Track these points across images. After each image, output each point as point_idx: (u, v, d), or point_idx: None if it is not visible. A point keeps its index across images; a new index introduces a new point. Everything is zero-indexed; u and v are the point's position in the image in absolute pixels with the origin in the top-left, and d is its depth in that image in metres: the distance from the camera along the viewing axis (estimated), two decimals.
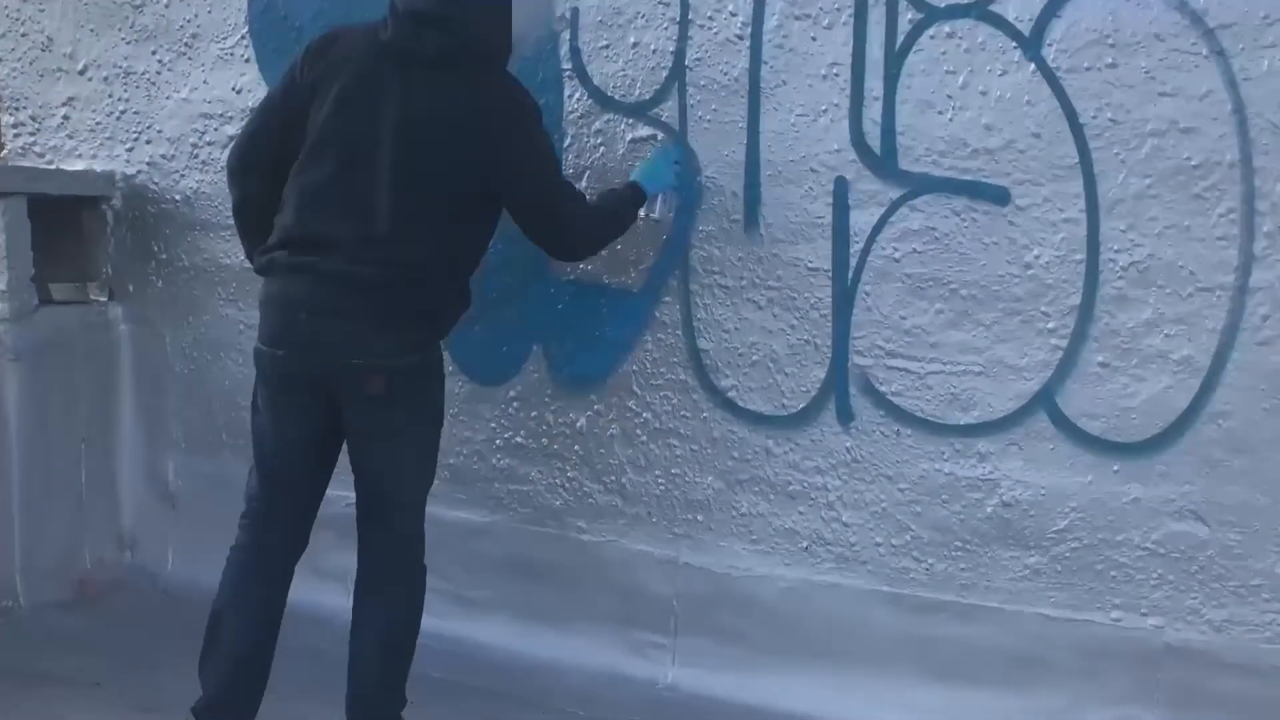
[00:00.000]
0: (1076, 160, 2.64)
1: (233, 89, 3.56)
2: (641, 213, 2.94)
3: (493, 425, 3.31)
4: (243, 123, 3.40)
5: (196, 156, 3.63)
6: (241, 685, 2.67)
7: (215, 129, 3.60)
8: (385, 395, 2.55)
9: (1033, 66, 2.66)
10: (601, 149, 3.11)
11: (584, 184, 3.12)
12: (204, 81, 3.60)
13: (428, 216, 2.57)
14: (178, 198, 3.68)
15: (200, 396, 3.71)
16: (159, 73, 3.66)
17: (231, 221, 3.39)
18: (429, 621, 2.77)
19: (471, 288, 2.80)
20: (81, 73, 3.78)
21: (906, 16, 2.77)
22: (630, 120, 3.06)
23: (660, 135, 3.02)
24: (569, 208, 2.72)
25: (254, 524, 2.72)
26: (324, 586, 3.02)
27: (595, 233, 2.83)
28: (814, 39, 2.86)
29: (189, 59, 3.61)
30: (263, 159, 2.70)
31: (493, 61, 2.67)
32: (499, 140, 2.59)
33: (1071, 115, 2.63)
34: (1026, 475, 2.76)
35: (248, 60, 3.52)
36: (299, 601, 2.80)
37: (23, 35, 3.86)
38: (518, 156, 2.62)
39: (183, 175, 3.66)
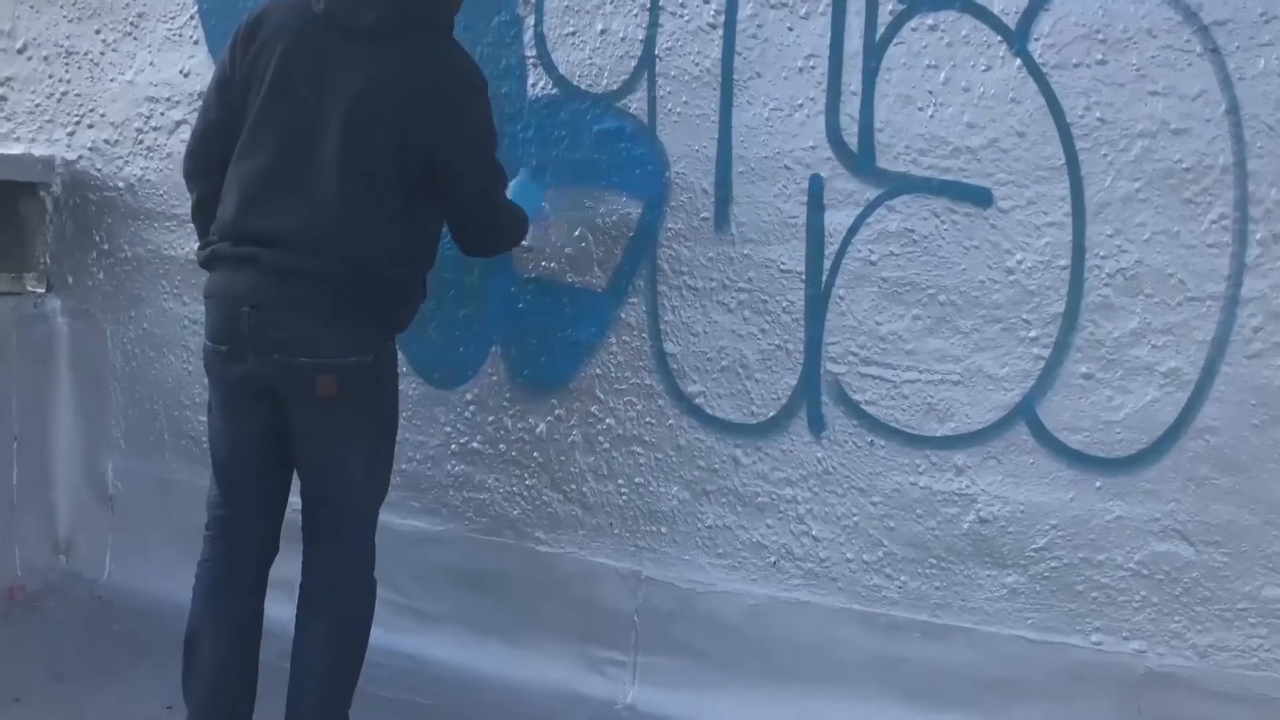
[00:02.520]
0: (1062, 161, 2.57)
1: (180, 72, 3.44)
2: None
3: (448, 429, 3.21)
4: (190, 109, 3.37)
5: (141, 142, 3.51)
6: (225, 704, 2.58)
7: (161, 113, 3.49)
8: (336, 396, 2.44)
9: (1018, 62, 2.59)
10: (566, 141, 3.00)
11: (547, 178, 3.01)
12: (150, 63, 3.47)
13: (378, 202, 2.45)
14: (121, 185, 3.56)
15: (142, 394, 3.60)
16: (103, 53, 3.55)
17: (177, 211, 3.42)
18: (378, 635, 2.69)
19: (427, 283, 2.69)
20: (20, 51, 3.66)
21: (887, 8, 2.69)
22: (596, 111, 2.96)
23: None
24: (502, 192, 2.62)
25: (218, 535, 2.61)
26: (269, 595, 2.81)
27: (512, 228, 2.73)
28: (790, 29, 2.78)
29: (135, 39, 3.49)
30: (212, 160, 2.58)
31: (437, 29, 2.54)
32: (446, 111, 2.46)
33: (1058, 114, 2.57)
34: (1005, 490, 2.69)
35: (196, 42, 3.40)
36: None
37: None
38: (464, 128, 2.49)
39: (126, 161, 3.55)
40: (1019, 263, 2.63)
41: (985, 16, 2.61)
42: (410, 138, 2.45)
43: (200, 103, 2.72)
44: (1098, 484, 2.62)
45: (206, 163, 2.58)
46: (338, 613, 2.57)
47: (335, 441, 2.50)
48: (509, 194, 2.76)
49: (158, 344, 3.56)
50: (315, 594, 2.58)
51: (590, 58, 2.96)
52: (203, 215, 2.63)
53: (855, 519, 2.83)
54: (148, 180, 3.52)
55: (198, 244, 2.67)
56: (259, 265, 2.43)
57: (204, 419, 2.72)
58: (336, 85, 2.43)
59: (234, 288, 2.46)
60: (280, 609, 2.70)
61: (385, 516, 2.72)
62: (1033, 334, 2.64)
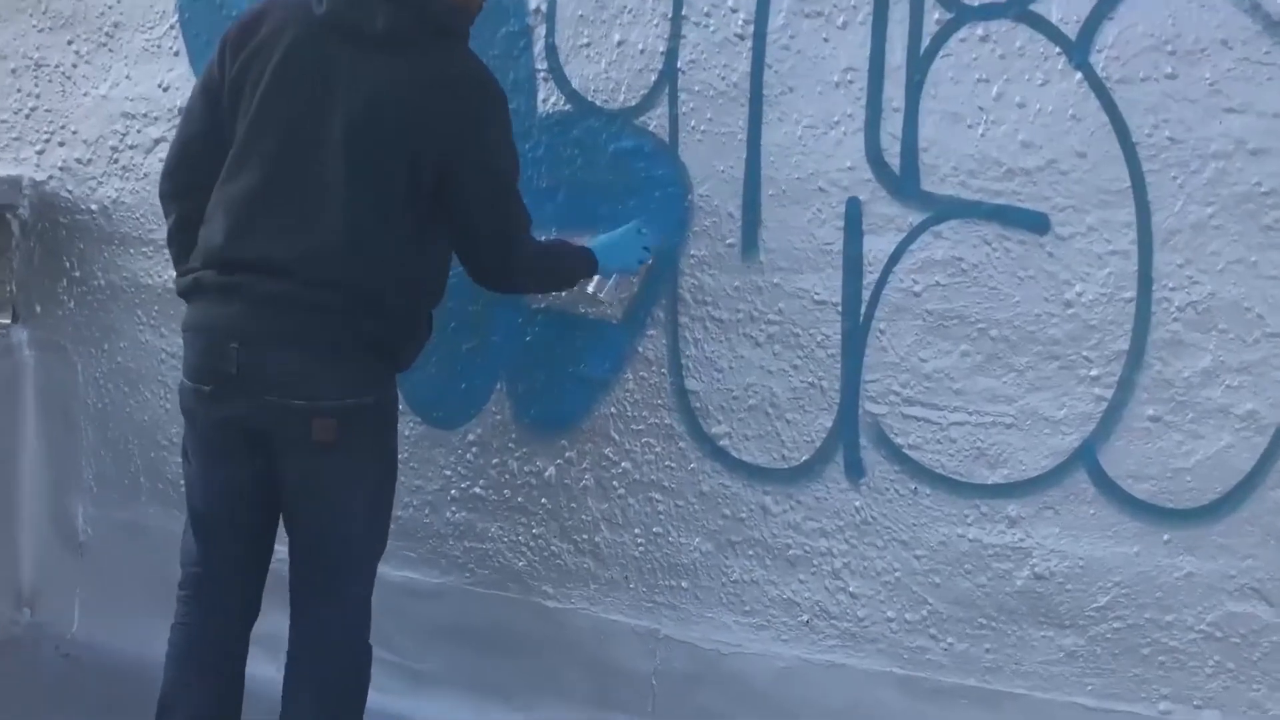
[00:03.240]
0: (1128, 184, 2.45)
1: (159, 85, 3.32)
2: (589, 287, 2.77)
3: (448, 473, 3.09)
4: (170, 125, 3.23)
5: (116, 161, 3.41)
6: None
7: (138, 130, 3.37)
8: (334, 442, 2.32)
9: (1079, 76, 2.47)
10: (579, 161, 2.88)
11: (559, 200, 2.90)
12: (126, 77, 3.36)
13: (385, 227, 2.33)
14: (94, 208, 3.45)
15: (116, 433, 3.47)
16: (75, 65, 3.44)
17: (155, 236, 3.30)
18: (369, 697, 2.60)
19: (433, 317, 2.61)
20: None
21: (933, 16, 2.56)
22: (613, 129, 2.84)
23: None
24: (521, 221, 2.51)
25: (194, 595, 2.49)
26: (250, 652, 2.74)
27: (538, 266, 2.61)
28: (826, 40, 2.66)
29: (110, 51, 3.38)
30: (195, 179, 2.47)
31: (452, 36, 2.43)
32: (461, 124, 2.36)
33: (1123, 132, 2.44)
34: (1063, 544, 2.56)
35: (176, 53, 3.29)
36: None
37: None
38: (480, 145, 2.38)
39: (100, 182, 3.44)
40: (1079, 295, 2.51)
41: (1043, 26, 2.48)
42: (421, 154, 2.33)
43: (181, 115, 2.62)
44: (1166, 537, 2.49)
45: (188, 180, 2.47)
46: (329, 685, 2.45)
47: (330, 492, 2.38)
48: (598, 244, 2.67)
49: (133, 379, 3.44)
50: (304, 663, 2.45)
51: (606, 71, 2.85)
52: (180, 240, 2.51)
53: (897, 574, 2.70)
54: (123, 202, 3.41)
55: (176, 271, 2.54)
56: (249, 295, 2.30)
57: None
58: (340, 95, 2.31)
59: (220, 321, 2.33)
60: (262, 667, 2.61)
61: (379, 568, 2.62)
62: (1094, 373, 2.51)
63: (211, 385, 2.34)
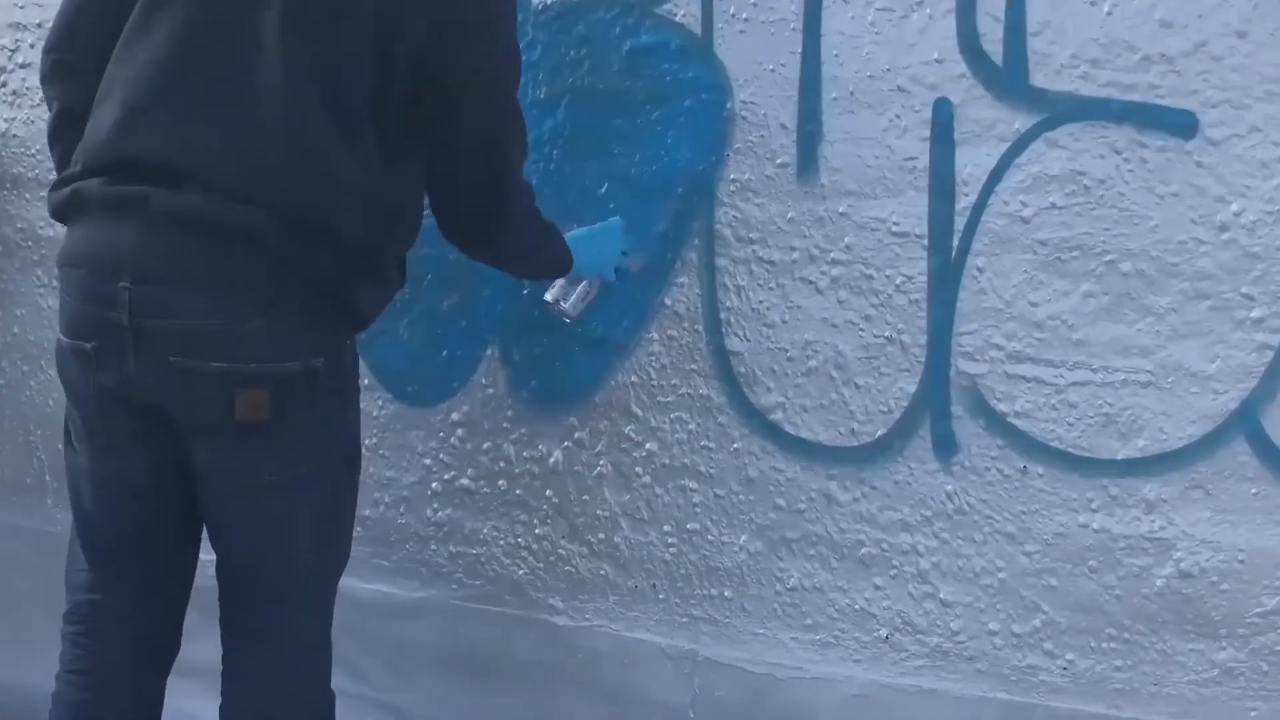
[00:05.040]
0: None
1: None
2: (548, 295, 2.53)
3: (427, 462, 2.88)
4: None
5: (4, 85, 3.15)
6: None
7: (30, 46, 3.10)
8: (264, 421, 1.98)
9: None
10: (587, 63, 2.64)
11: (560, 115, 2.64)
12: None
13: (343, 129, 2.02)
14: None
15: (14, 421, 3.26)
16: None
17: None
18: None
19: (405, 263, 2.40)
20: None
21: None
22: (629, 21, 2.59)
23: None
24: (519, 150, 2.23)
25: (87, 633, 2.19)
26: (178, 685, 2.53)
27: (531, 225, 2.33)
28: None
29: None
30: (86, 56, 2.17)
31: None
32: (452, 10, 2.04)
33: None
34: (1217, 533, 2.33)
35: None
36: None
37: None
38: (471, 40, 2.08)
39: None
40: (1237, 215, 2.25)
41: None
42: (394, 42, 2.01)
43: None
44: None
45: (76, 58, 2.17)
46: None
47: (268, 493, 2.04)
48: (583, 234, 2.44)
49: (33, 354, 3.22)
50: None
51: None
52: (66, 139, 2.17)
53: (1001, 575, 2.47)
54: (14, 135, 3.17)
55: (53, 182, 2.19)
56: (148, 214, 1.96)
57: None
58: None
59: (105, 250, 2.00)
60: (201, 704, 2.41)
61: (344, 580, 2.37)
62: (1256, 314, 2.26)
63: (95, 341, 1.98)
